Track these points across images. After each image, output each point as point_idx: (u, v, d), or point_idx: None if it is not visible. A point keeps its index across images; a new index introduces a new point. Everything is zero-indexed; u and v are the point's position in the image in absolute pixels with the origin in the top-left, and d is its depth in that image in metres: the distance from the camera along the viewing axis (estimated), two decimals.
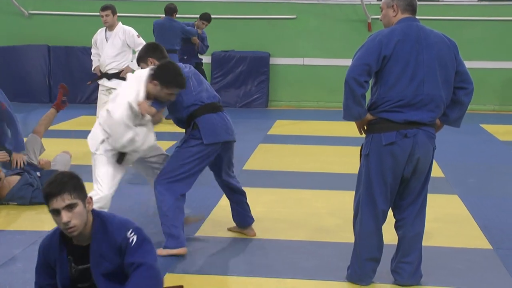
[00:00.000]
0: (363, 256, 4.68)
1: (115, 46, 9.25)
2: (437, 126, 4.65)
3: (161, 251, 5.15)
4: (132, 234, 3.66)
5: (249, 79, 14.70)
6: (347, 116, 4.62)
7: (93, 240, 3.64)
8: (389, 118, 4.50)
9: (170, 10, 12.24)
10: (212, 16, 14.70)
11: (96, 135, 5.34)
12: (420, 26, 4.56)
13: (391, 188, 4.58)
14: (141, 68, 5.52)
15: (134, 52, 9.36)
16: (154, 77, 5.19)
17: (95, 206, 4.35)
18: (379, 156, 4.54)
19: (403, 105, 4.47)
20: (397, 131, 4.48)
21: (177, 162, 5.37)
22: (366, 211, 4.64)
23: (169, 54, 12.66)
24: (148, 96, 5.22)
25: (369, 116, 4.57)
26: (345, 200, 6.50)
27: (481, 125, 12.40)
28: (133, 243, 3.64)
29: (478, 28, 14.35)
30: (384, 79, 4.50)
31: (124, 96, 5.19)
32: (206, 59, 14.75)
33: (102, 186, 5.30)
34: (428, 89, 4.47)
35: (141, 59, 5.57)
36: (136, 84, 5.23)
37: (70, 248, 3.68)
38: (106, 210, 5.03)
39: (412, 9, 4.60)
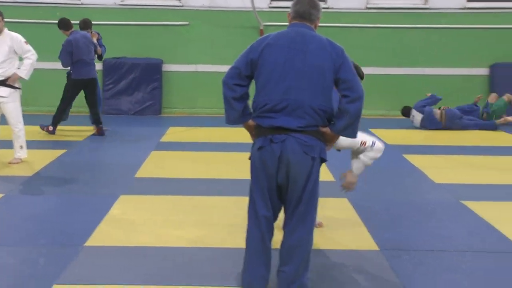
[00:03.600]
0: (252, 261, 4.66)
1: (1, 53, 8.98)
2: (329, 135, 4.58)
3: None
4: None
5: (141, 86, 14.59)
6: (226, 120, 4.70)
7: None
8: (259, 123, 4.55)
9: (87, 25, 12.07)
10: (103, 22, 14.56)
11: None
12: (301, 31, 4.56)
13: (270, 194, 4.58)
14: None
15: (20, 59, 9.13)
16: None
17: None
18: (254, 162, 4.59)
19: (269, 110, 4.48)
20: (264, 136, 4.50)
21: None
22: (250, 216, 4.66)
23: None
24: None
25: (250, 122, 4.62)
26: (239, 206, 6.54)
27: (370, 129, 12.71)
28: None
29: (366, 35, 14.73)
30: (255, 84, 4.57)
31: None
32: (97, 66, 14.56)
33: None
34: (296, 95, 4.45)
35: None
36: None
37: None
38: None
39: (299, 16, 4.62)
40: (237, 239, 5.78)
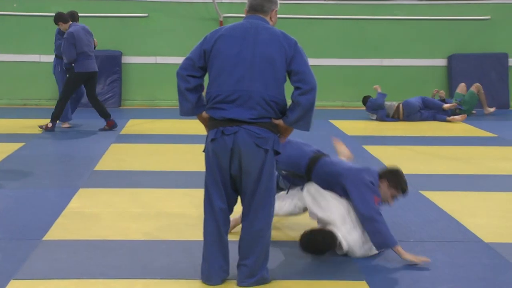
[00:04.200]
0: (210, 253, 4.67)
1: None
2: (282, 128, 4.59)
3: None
4: None
5: (101, 78, 14.43)
6: (180, 111, 4.72)
7: None
8: (212, 115, 4.56)
9: (75, 17, 11.38)
10: None
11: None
12: (255, 23, 4.58)
13: (224, 186, 4.59)
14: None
15: None
16: (385, 177, 5.45)
17: None
18: (208, 154, 4.59)
19: (221, 101, 4.49)
20: (217, 128, 4.51)
21: None
22: (206, 209, 4.68)
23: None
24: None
25: (204, 114, 4.63)
26: (198, 198, 6.51)
27: (330, 120, 12.76)
28: None
29: (326, 27, 14.76)
30: (208, 75, 4.59)
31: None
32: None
33: None
34: (248, 86, 4.46)
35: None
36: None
37: None
38: None
39: (252, 8, 4.65)
40: (196, 231, 5.77)
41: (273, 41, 4.50)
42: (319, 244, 5.19)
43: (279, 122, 4.57)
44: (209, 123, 4.59)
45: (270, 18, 4.67)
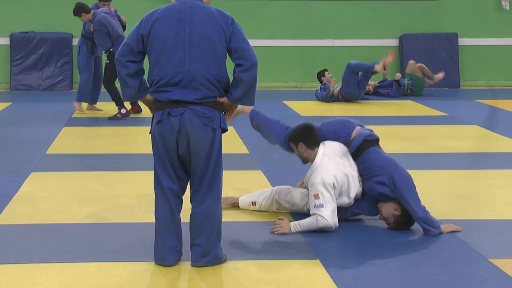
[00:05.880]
0: (162, 234, 4.68)
1: None
2: (227, 105, 4.63)
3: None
4: None
5: (51, 61, 14.28)
6: (123, 97, 4.74)
7: None
8: (157, 98, 4.57)
9: None
10: None
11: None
12: (190, 3, 4.56)
13: (172, 167, 4.61)
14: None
15: None
16: None
17: None
18: (154, 135, 4.61)
19: (165, 84, 4.51)
20: (163, 110, 4.53)
21: None
22: (156, 190, 4.70)
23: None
24: None
25: (148, 97, 4.65)
26: (151, 180, 6.49)
27: (283, 101, 12.78)
28: None
29: (277, 7, 14.73)
30: (148, 59, 4.59)
31: None
32: (3, 40, 14.19)
33: None
34: (190, 67, 4.48)
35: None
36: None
37: None
38: None
39: None
40: (149, 213, 5.73)
41: (210, 20, 4.52)
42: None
43: (224, 100, 4.61)
44: (154, 105, 4.60)
45: None
